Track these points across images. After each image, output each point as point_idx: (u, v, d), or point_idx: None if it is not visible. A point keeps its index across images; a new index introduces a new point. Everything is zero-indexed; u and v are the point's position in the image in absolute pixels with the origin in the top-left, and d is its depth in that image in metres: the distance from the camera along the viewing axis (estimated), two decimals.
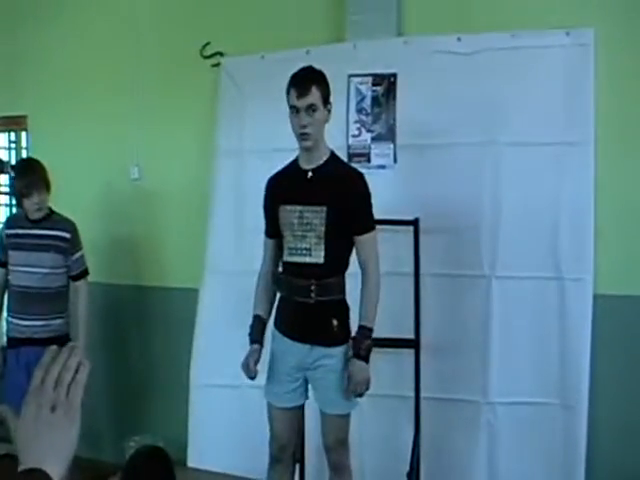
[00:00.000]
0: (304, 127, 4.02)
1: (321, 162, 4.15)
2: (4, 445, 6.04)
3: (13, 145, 7.27)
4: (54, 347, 1.41)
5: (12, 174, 5.70)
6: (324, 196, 4.07)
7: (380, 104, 5.47)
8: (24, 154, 7.03)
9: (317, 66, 4.21)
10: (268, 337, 4.35)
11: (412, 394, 5.19)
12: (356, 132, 5.50)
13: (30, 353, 5.08)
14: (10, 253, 5.24)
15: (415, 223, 5.06)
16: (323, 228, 4.07)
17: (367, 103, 5.50)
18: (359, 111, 5.51)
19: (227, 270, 5.41)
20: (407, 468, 5.13)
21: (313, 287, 4.13)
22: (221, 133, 5.90)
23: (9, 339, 5.34)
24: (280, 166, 4.37)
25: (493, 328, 5.21)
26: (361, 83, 5.50)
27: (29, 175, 5.17)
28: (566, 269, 5.09)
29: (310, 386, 4.36)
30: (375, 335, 4.87)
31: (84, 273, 5.38)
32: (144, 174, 6.26)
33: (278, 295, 4.37)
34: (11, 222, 5.47)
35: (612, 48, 5.00)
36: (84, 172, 6.44)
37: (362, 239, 4.10)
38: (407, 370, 5.21)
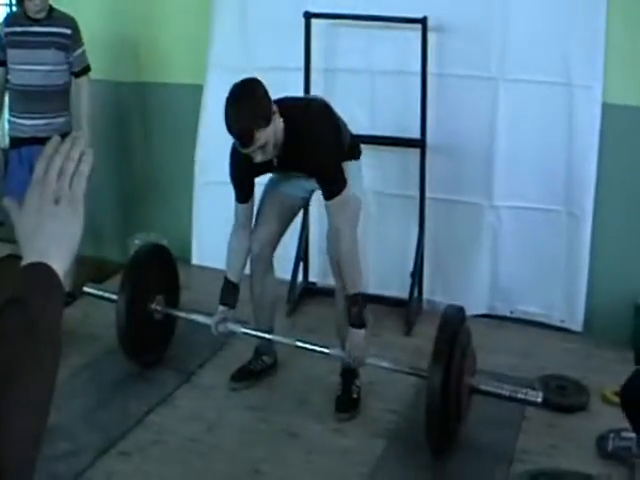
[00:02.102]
0: (258, 160, 3.84)
1: (280, 146, 3.92)
2: (8, 245, 6.10)
3: None
4: (57, 137, 1.37)
5: None
6: (297, 167, 4.03)
7: None
8: None
9: None
10: None
11: (417, 194, 5.21)
12: None
13: (33, 152, 5.04)
14: (9, 52, 5.14)
15: (423, 22, 4.93)
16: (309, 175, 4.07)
17: None
18: None
19: (231, 66, 5.29)
20: (411, 267, 5.21)
21: None
22: None
23: (11, 139, 5.32)
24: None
25: (499, 131, 5.19)
26: None
27: None
28: (575, 75, 5.01)
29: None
30: (382, 134, 4.86)
31: (86, 69, 5.29)
32: None
33: None
34: (10, 20, 5.33)
35: None
36: None
37: (330, 204, 3.97)
38: (413, 170, 5.22)
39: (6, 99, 5.32)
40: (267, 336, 4.45)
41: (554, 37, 5.03)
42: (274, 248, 4.45)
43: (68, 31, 5.14)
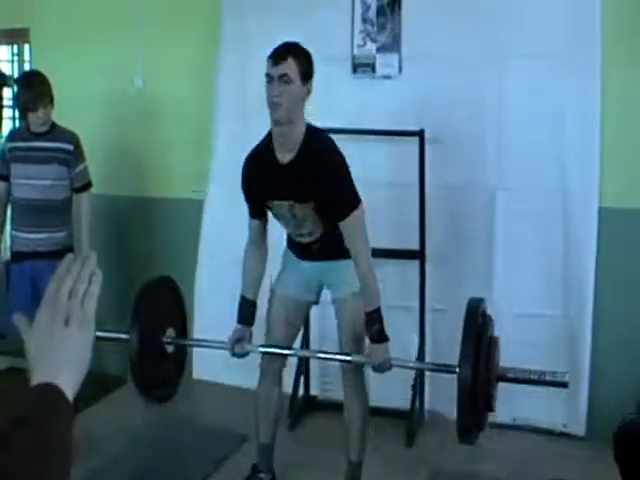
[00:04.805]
0: (275, 96, 3.84)
1: (295, 152, 3.99)
2: (7, 358, 6.09)
3: (16, 58, 7.20)
4: (70, 256, 1.38)
5: (16, 87, 5.64)
6: (307, 193, 3.97)
7: (385, 14, 5.40)
8: (26, 67, 6.95)
9: None
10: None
11: (417, 305, 5.21)
12: (361, 42, 5.44)
13: (34, 266, 5.09)
14: (13, 166, 5.21)
15: (420, 134, 5.01)
16: (317, 216, 4.03)
17: (372, 13, 5.43)
18: (364, 21, 5.44)
19: (232, 180, 5.36)
20: (412, 377, 5.19)
21: (318, 244, 4.16)
22: (225, 38, 5.83)
23: (13, 253, 5.34)
24: (254, 143, 4.23)
25: (497, 240, 5.22)
26: None
27: (34, 89, 5.12)
28: (571, 181, 5.08)
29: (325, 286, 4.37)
30: (380, 246, 4.88)
31: (87, 185, 5.35)
32: (148, 84, 6.17)
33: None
34: (13, 135, 5.42)
35: None
36: (87, 83, 6.35)
37: (345, 223, 3.97)
38: (412, 281, 5.23)
39: (8, 213, 5.37)
40: (285, 352, 4.30)
41: (549, 144, 5.12)
42: (285, 357, 4.41)
43: (70, 147, 5.21)
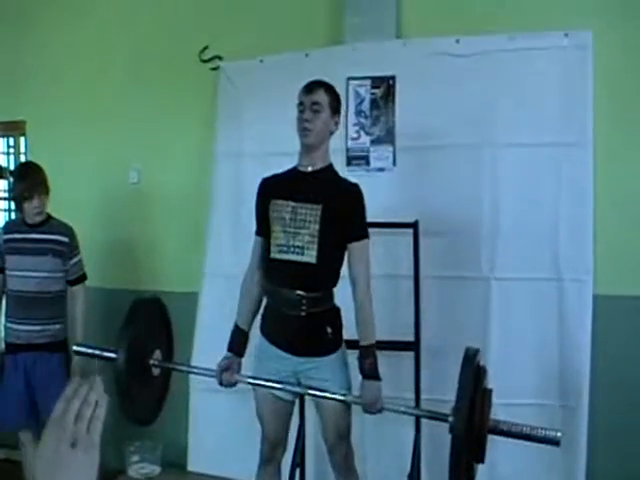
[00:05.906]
0: (306, 121, 4.00)
1: (320, 166, 4.10)
2: (2, 450, 6.03)
3: (11, 150, 7.26)
4: (77, 379, 1.41)
5: (11, 179, 5.68)
6: (320, 195, 4.02)
7: (379, 107, 5.46)
8: (22, 159, 7.00)
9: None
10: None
11: (412, 396, 5.18)
12: (355, 135, 5.50)
13: (28, 358, 5.08)
14: (7, 258, 5.23)
15: (415, 226, 5.04)
16: (317, 226, 3.99)
17: (366, 106, 5.49)
18: (358, 114, 5.50)
19: (227, 273, 5.41)
20: (408, 470, 5.13)
21: (304, 300, 4.05)
22: (220, 136, 5.89)
23: (7, 344, 5.32)
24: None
25: (492, 330, 5.20)
26: (360, 86, 5.50)
27: (30, 178, 5.17)
28: (565, 270, 5.09)
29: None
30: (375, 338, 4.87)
31: (82, 278, 5.37)
32: (143, 178, 6.23)
33: (264, 301, 4.30)
34: (8, 227, 5.45)
35: (610, 49, 5.01)
36: (82, 176, 6.42)
37: (355, 246, 4.02)
38: (407, 373, 5.19)
39: (3, 304, 5.36)
40: (276, 385, 4.14)
41: (542, 235, 5.14)
42: (284, 446, 4.39)
43: (65, 239, 5.24)
